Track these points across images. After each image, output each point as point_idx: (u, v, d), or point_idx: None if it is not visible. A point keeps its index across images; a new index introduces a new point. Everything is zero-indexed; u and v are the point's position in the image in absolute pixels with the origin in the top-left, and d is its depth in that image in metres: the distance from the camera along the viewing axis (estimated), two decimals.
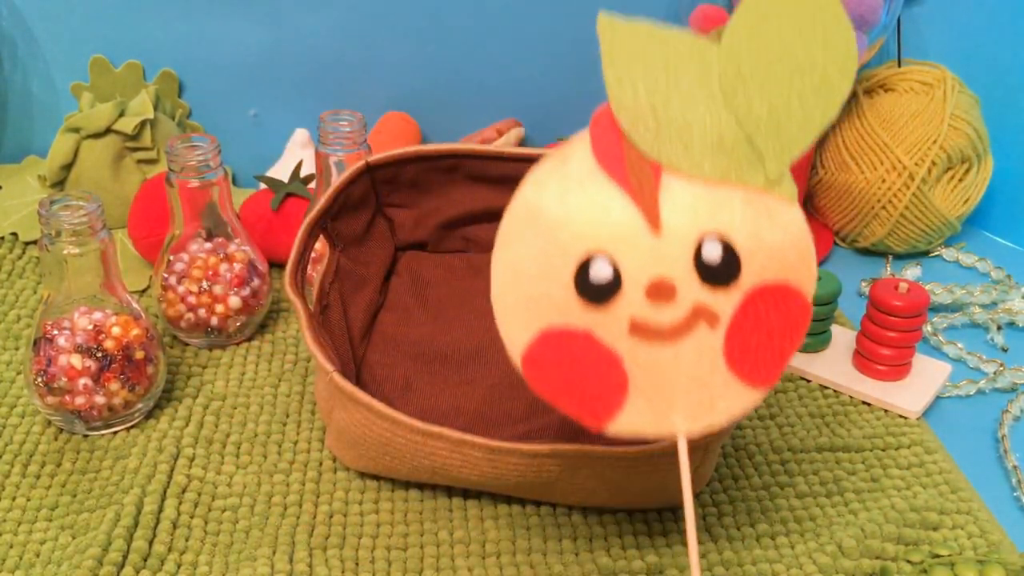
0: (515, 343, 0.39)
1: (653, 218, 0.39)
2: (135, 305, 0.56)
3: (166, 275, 0.62)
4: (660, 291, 0.39)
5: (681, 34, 0.40)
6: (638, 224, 0.39)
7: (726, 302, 0.39)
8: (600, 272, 0.39)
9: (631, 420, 0.39)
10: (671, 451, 0.46)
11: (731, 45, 0.40)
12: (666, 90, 0.40)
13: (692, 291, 0.39)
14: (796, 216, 0.40)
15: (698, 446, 0.46)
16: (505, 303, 0.39)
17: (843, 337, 0.65)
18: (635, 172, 0.39)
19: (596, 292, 0.39)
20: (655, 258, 0.39)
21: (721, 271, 0.39)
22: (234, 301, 0.62)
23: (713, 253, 0.39)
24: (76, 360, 0.53)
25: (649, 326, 0.39)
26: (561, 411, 0.39)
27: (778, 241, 0.40)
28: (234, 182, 0.84)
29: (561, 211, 0.39)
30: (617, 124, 0.40)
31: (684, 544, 0.49)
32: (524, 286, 0.39)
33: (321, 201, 0.55)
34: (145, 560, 0.47)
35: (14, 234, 0.75)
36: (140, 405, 0.56)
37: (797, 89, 0.40)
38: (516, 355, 0.39)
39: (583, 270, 0.39)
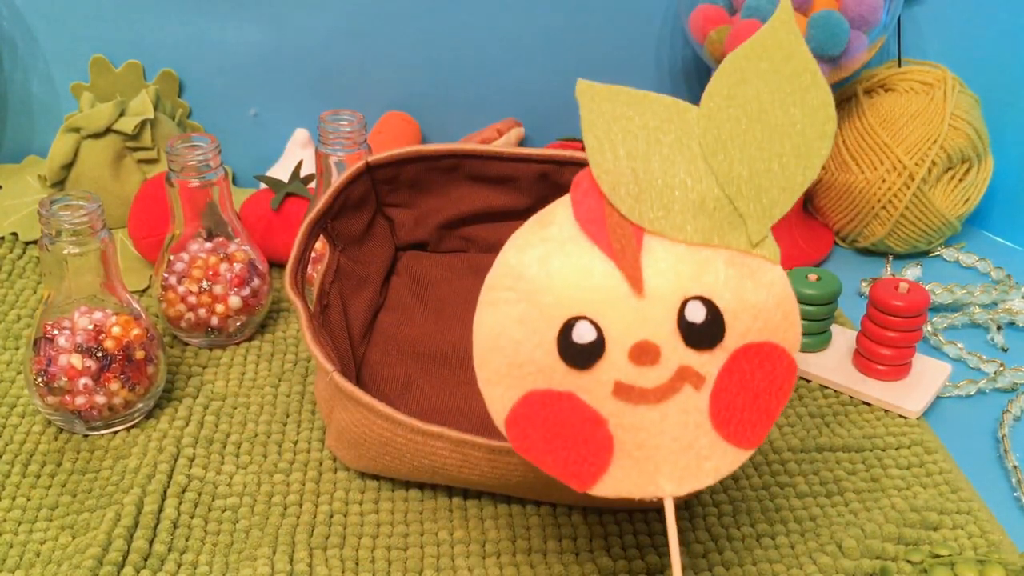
0: (498, 407, 0.39)
1: (636, 281, 0.39)
2: (135, 305, 0.56)
3: (166, 275, 0.62)
4: (644, 353, 0.39)
5: (660, 97, 0.41)
6: (621, 287, 0.39)
7: (711, 363, 0.39)
8: (583, 335, 0.39)
9: (617, 482, 0.39)
10: None
11: (710, 108, 0.40)
12: (646, 153, 0.40)
13: (677, 353, 0.39)
14: (779, 276, 0.40)
15: None
16: (488, 368, 0.39)
17: (843, 337, 0.65)
18: (617, 235, 0.40)
19: (580, 355, 0.39)
20: (638, 321, 0.39)
21: (705, 332, 0.39)
22: (234, 301, 0.62)
23: (697, 315, 0.39)
24: (76, 360, 0.53)
25: (634, 388, 0.39)
26: (546, 472, 0.39)
27: (762, 301, 0.40)
28: (234, 182, 0.84)
29: (543, 275, 0.39)
30: (598, 187, 0.40)
31: (684, 545, 0.49)
32: (507, 351, 0.39)
33: (321, 201, 0.55)
34: (145, 560, 0.47)
35: (14, 234, 0.75)
36: (140, 405, 0.56)
37: (777, 151, 0.40)
38: (499, 419, 0.39)
39: (566, 334, 0.39)
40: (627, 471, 0.39)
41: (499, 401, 0.39)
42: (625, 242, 0.40)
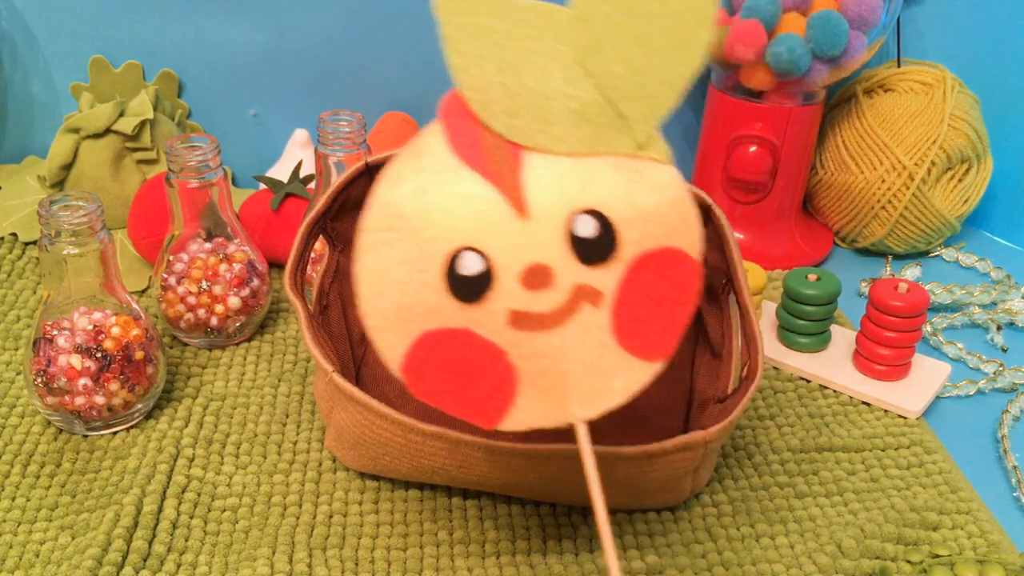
0: (392, 354, 0.37)
1: (518, 202, 0.37)
2: (135, 305, 0.56)
3: (166, 275, 0.62)
4: (536, 277, 0.37)
5: (527, 2, 0.38)
6: (503, 211, 0.37)
7: (608, 277, 0.37)
8: (469, 267, 0.37)
9: (524, 414, 0.37)
10: (671, 451, 0.46)
11: (581, 6, 0.38)
12: (517, 65, 0.38)
13: (570, 272, 0.37)
14: (671, 176, 0.38)
15: (697, 447, 0.46)
16: (375, 314, 0.37)
17: (843, 337, 0.65)
18: (494, 156, 0.37)
19: (468, 288, 0.37)
20: (526, 243, 0.37)
21: (597, 246, 0.37)
22: (234, 301, 0.62)
23: (586, 228, 0.37)
24: (76, 360, 0.53)
25: (529, 314, 0.37)
26: (451, 414, 0.37)
27: (655, 204, 0.37)
28: (234, 182, 0.84)
29: (421, 209, 0.37)
30: (468, 108, 0.38)
31: (684, 545, 0.49)
32: (393, 294, 0.37)
33: (320, 201, 0.55)
34: (145, 560, 0.47)
35: (14, 234, 0.75)
36: (140, 405, 0.56)
37: (656, 44, 0.37)
38: (395, 366, 0.37)
39: (452, 267, 0.37)
40: (534, 401, 0.37)
41: (392, 347, 0.37)
42: (503, 162, 0.37)
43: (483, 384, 0.37)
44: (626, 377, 0.37)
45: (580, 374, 0.37)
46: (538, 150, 0.38)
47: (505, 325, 0.37)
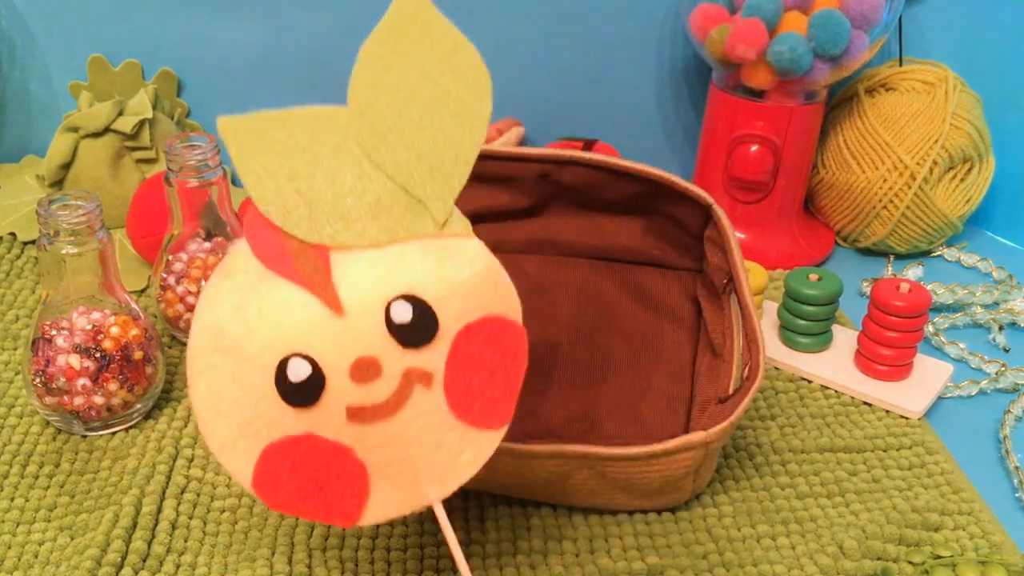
0: (241, 474, 0.38)
1: (333, 302, 0.38)
2: (134, 305, 0.56)
3: (165, 275, 0.62)
4: (364, 370, 0.38)
5: (305, 110, 0.40)
6: (321, 312, 0.38)
7: (435, 357, 0.39)
8: (298, 372, 0.38)
9: (381, 506, 0.38)
10: (671, 452, 0.46)
11: (358, 103, 0.39)
12: (308, 170, 0.39)
13: (396, 359, 0.38)
14: (477, 249, 0.39)
15: (698, 447, 0.46)
16: (217, 437, 0.38)
17: (844, 337, 0.65)
18: (303, 262, 0.39)
19: (302, 393, 0.38)
20: (348, 340, 0.38)
21: (417, 329, 0.38)
22: None
23: (403, 314, 0.38)
24: (75, 360, 0.53)
25: (365, 407, 0.38)
26: (310, 520, 0.38)
27: (466, 278, 0.39)
28: (233, 182, 0.84)
29: (242, 326, 0.38)
30: (269, 221, 0.39)
31: (684, 545, 0.49)
32: (231, 415, 0.38)
33: None
34: (144, 561, 0.47)
35: (12, 234, 0.75)
36: (139, 405, 0.56)
37: (438, 125, 0.39)
38: (247, 484, 0.38)
39: (282, 376, 0.38)
40: (388, 492, 0.38)
41: (239, 467, 0.38)
42: (312, 266, 0.39)
43: (335, 484, 0.38)
44: (472, 449, 0.39)
45: (426, 456, 0.39)
46: (343, 247, 0.39)
47: (345, 423, 0.38)
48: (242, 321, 0.38)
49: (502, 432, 0.39)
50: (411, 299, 0.38)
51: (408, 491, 0.39)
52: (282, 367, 0.38)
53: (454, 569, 0.47)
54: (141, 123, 0.74)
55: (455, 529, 0.50)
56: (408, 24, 0.40)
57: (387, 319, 0.38)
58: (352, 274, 0.39)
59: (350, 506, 0.38)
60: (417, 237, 0.39)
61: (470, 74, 0.39)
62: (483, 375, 0.39)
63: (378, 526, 0.50)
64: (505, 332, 0.39)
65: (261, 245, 0.39)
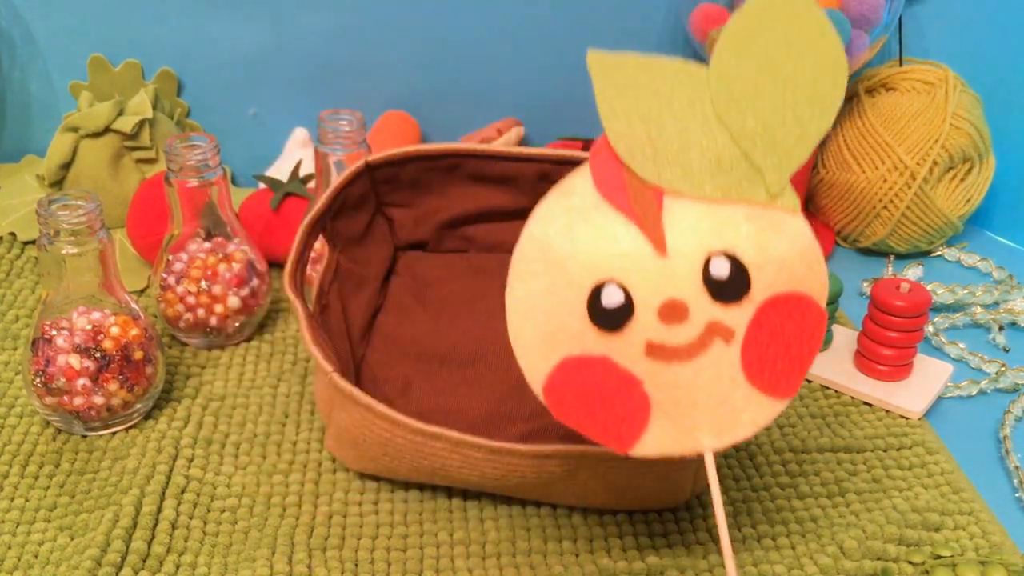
0: (536, 376, 0.40)
1: (659, 241, 0.40)
2: (134, 305, 0.56)
3: (165, 275, 0.62)
4: (672, 312, 0.40)
5: (669, 61, 0.41)
6: (645, 249, 0.40)
7: (739, 317, 0.40)
8: (612, 298, 0.40)
9: (656, 440, 0.40)
10: None
11: (720, 65, 0.41)
12: (660, 117, 0.41)
13: (704, 309, 0.40)
14: (801, 226, 0.41)
15: None
16: (523, 339, 0.40)
17: (844, 337, 0.65)
18: (637, 199, 0.40)
19: (609, 318, 0.40)
20: (664, 280, 0.40)
21: (731, 287, 0.40)
22: (233, 301, 0.62)
23: (721, 270, 0.40)
24: (75, 360, 0.53)
25: (665, 347, 0.40)
26: (587, 436, 0.39)
27: (785, 252, 0.40)
28: (233, 181, 0.84)
29: (569, 244, 0.40)
30: (615, 154, 0.40)
31: (685, 546, 0.49)
32: (539, 321, 0.40)
33: (320, 201, 0.55)
34: (144, 561, 0.47)
35: (12, 234, 0.75)
36: (139, 405, 0.56)
37: (790, 103, 0.40)
38: (538, 387, 0.40)
39: (595, 299, 0.40)
40: (665, 429, 0.40)
41: (535, 370, 0.40)
42: (646, 205, 0.40)
43: (619, 410, 0.40)
44: (754, 412, 0.40)
45: (710, 406, 0.40)
46: (678, 195, 0.40)
47: (642, 355, 0.40)
48: (570, 239, 0.40)
49: (784, 403, 0.40)
50: (731, 257, 0.40)
51: (684, 434, 0.40)
52: (597, 290, 0.40)
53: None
54: (141, 123, 0.74)
55: (454, 530, 0.50)
56: (782, 2, 0.41)
57: (704, 270, 0.40)
58: (681, 220, 0.40)
59: (628, 433, 0.40)
60: (748, 202, 0.40)
61: (830, 62, 0.40)
62: (780, 345, 0.40)
63: (377, 525, 0.50)
64: (808, 311, 0.40)
65: (602, 175, 0.40)
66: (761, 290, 0.40)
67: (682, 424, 0.40)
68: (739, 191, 0.40)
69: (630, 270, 0.40)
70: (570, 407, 0.40)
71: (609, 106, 0.41)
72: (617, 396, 0.40)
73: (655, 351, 0.40)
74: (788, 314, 0.40)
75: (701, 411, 0.40)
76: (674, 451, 0.40)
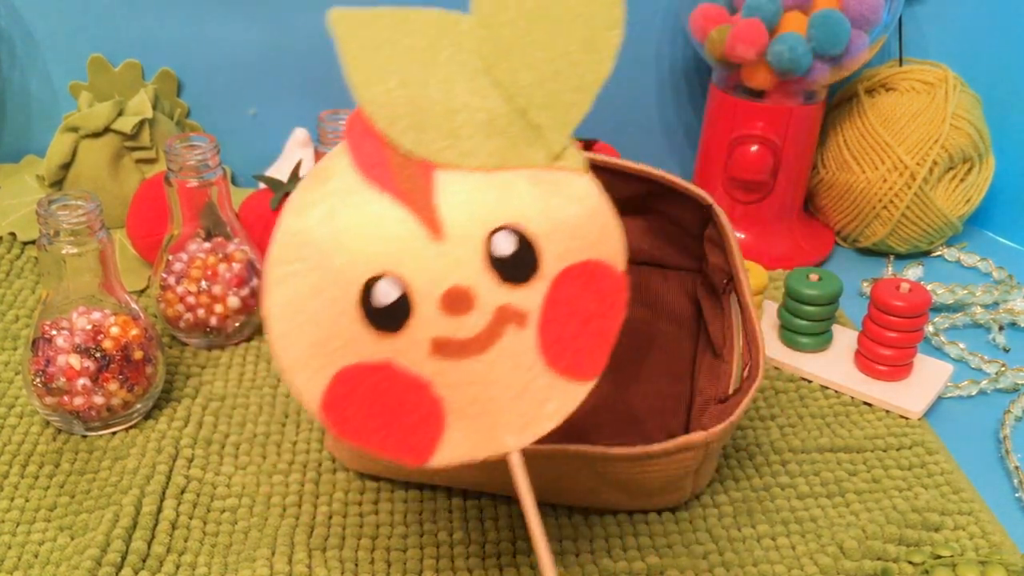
0: (309, 395, 0.35)
1: (432, 222, 0.36)
2: (134, 305, 0.56)
3: (165, 275, 0.62)
4: (456, 301, 0.36)
5: (425, 12, 0.36)
6: (417, 233, 0.35)
7: (531, 296, 0.36)
8: (385, 295, 0.35)
9: (455, 447, 0.36)
10: (671, 452, 0.46)
11: (483, 13, 0.36)
12: (421, 77, 0.36)
13: (492, 293, 0.36)
14: (588, 186, 0.37)
15: (698, 447, 0.46)
16: (289, 353, 0.35)
17: (844, 337, 0.65)
18: (404, 176, 0.36)
19: (386, 317, 0.35)
20: (444, 266, 0.36)
21: (518, 264, 0.36)
22: (233, 301, 0.62)
23: (505, 246, 0.36)
24: (75, 360, 0.53)
25: (452, 341, 0.36)
26: (377, 454, 0.36)
27: (574, 216, 0.36)
28: (233, 181, 0.84)
29: (330, 236, 0.35)
30: (373, 126, 0.36)
31: (685, 546, 0.49)
32: (306, 330, 0.35)
33: None
34: (144, 561, 0.47)
35: (12, 234, 0.75)
36: (139, 405, 0.56)
37: (563, 50, 0.36)
38: (313, 408, 0.35)
39: (367, 297, 0.35)
40: (464, 433, 0.36)
41: (307, 388, 0.35)
42: (414, 182, 0.36)
43: (409, 419, 0.36)
44: (558, 399, 0.36)
45: (509, 400, 0.36)
46: (449, 166, 0.36)
47: (427, 354, 0.36)
48: (332, 230, 0.35)
49: (590, 385, 0.36)
50: (514, 231, 0.36)
51: (485, 435, 0.36)
52: (368, 287, 0.35)
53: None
54: (141, 123, 0.74)
55: (454, 530, 0.50)
56: None
57: (487, 249, 0.36)
58: (455, 196, 0.36)
59: (422, 444, 0.36)
60: (528, 166, 0.36)
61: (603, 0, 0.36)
62: (579, 322, 0.36)
63: (377, 525, 0.50)
64: (605, 278, 0.36)
65: (361, 153, 0.36)
66: (552, 262, 0.36)
67: (482, 424, 0.36)
68: (517, 155, 0.36)
69: (403, 259, 0.35)
70: (353, 425, 0.35)
71: (359, 70, 0.36)
72: (405, 404, 0.35)
73: (442, 347, 0.35)
74: (584, 285, 0.36)
75: (501, 407, 0.36)
76: (476, 455, 0.36)
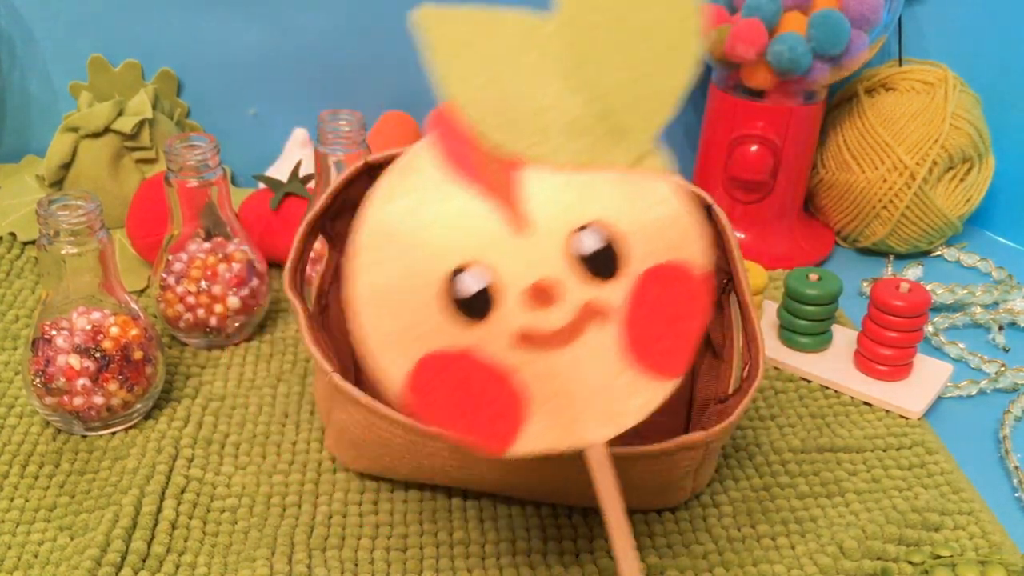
0: (391, 381, 0.36)
1: (517, 217, 0.36)
2: (134, 305, 0.56)
3: (165, 275, 0.62)
4: (541, 294, 0.36)
5: (510, 13, 0.37)
6: (502, 226, 0.36)
7: (615, 293, 0.37)
8: (470, 285, 0.36)
9: (536, 438, 0.36)
10: (671, 452, 0.46)
11: (567, 16, 0.37)
12: (507, 77, 0.37)
13: (576, 288, 0.36)
14: (671, 188, 0.37)
15: (698, 447, 0.46)
16: (374, 339, 0.36)
17: (844, 337, 0.65)
18: (488, 171, 0.36)
19: (471, 307, 0.36)
20: (528, 260, 0.36)
21: (603, 261, 0.36)
22: (233, 301, 0.62)
23: (590, 243, 0.36)
24: (74, 360, 0.53)
25: (537, 333, 0.36)
26: (459, 441, 0.36)
27: (656, 218, 0.37)
28: (233, 181, 0.84)
29: (416, 228, 0.36)
30: (461, 122, 0.36)
31: (685, 546, 0.49)
32: (391, 317, 0.36)
33: (320, 201, 0.55)
34: (144, 561, 0.47)
35: (12, 234, 0.75)
36: (139, 405, 0.56)
37: (646, 55, 0.37)
38: (395, 393, 0.36)
39: (452, 286, 0.36)
40: (547, 423, 0.36)
41: (391, 374, 0.36)
42: (499, 177, 0.36)
43: (491, 407, 0.36)
44: (641, 396, 0.37)
45: (592, 395, 0.37)
46: (535, 163, 0.37)
47: (511, 345, 0.36)
48: (416, 222, 0.36)
49: (672, 384, 0.37)
50: (599, 229, 0.36)
51: (566, 428, 0.36)
52: (453, 276, 0.36)
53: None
54: (141, 123, 0.74)
55: (454, 530, 0.50)
56: None
57: (571, 245, 0.36)
58: (540, 192, 0.36)
59: (504, 432, 0.36)
60: (612, 167, 0.37)
61: (680, 8, 0.37)
62: (662, 321, 0.37)
63: (377, 525, 0.50)
64: (688, 280, 0.37)
65: (446, 145, 0.37)
66: (636, 261, 0.37)
67: (564, 416, 0.36)
68: (602, 155, 0.37)
69: (489, 251, 0.36)
70: (437, 410, 0.36)
71: (450, 69, 0.36)
72: (488, 393, 0.36)
73: (526, 339, 0.36)
74: (667, 286, 0.37)
75: (583, 401, 0.36)
76: (557, 447, 0.36)
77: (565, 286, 0.36)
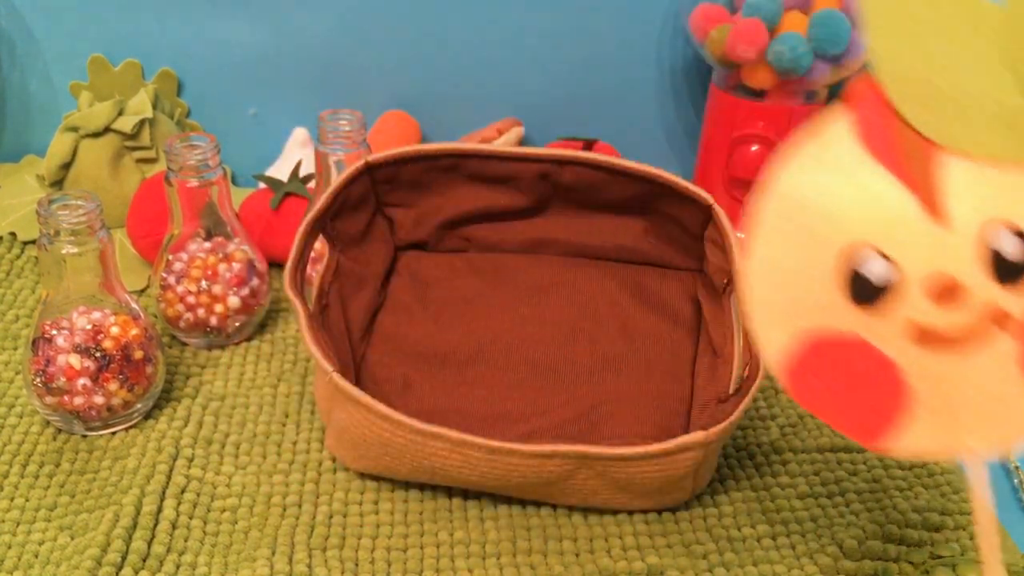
0: (773, 349, 0.35)
1: (934, 206, 0.35)
2: (134, 305, 0.56)
3: (165, 275, 0.62)
4: (945, 290, 0.34)
5: None
6: (916, 214, 0.34)
7: (1020, 302, 0.34)
8: (873, 268, 0.34)
9: (915, 439, 0.35)
10: (671, 452, 0.46)
11: (1017, 9, 0.35)
12: (943, 60, 0.35)
13: (983, 290, 0.34)
14: None
15: (698, 447, 0.46)
16: (762, 309, 0.35)
17: None
18: (908, 154, 0.35)
19: (868, 291, 0.35)
20: (938, 252, 0.34)
21: (1012, 266, 0.34)
22: (233, 301, 0.62)
23: (1010, 246, 0.34)
24: (75, 360, 0.53)
25: (933, 331, 0.35)
26: (831, 425, 0.36)
27: None
28: (233, 181, 0.84)
29: (825, 202, 0.35)
30: (885, 100, 0.35)
31: (685, 546, 0.49)
32: (783, 286, 0.35)
33: (320, 201, 0.55)
34: (144, 560, 0.47)
35: (12, 234, 0.75)
36: (139, 405, 0.56)
37: None
38: (775, 365, 0.35)
39: (852, 266, 0.35)
40: (928, 427, 0.34)
41: (774, 345, 0.35)
42: (919, 162, 0.35)
43: (870, 398, 0.35)
44: None
45: (979, 404, 0.35)
46: (956, 152, 0.35)
47: (902, 338, 0.35)
48: (827, 198, 0.35)
49: None
50: (1016, 231, 0.34)
51: (948, 435, 0.35)
52: (855, 257, 0.35)
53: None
54: (141, 123, 0.74)
55: (454, 530, 0.50)
56: None
57: (987, 245, 0.34)
58: (962, 184, 0.35)
59: (879, 427, 0.35)
60: None
61: None
62: None
63: (377, 525, 0.50)
64: None
65: (867, 123, 0.35)
66: None
67: (945, 422, 0.34)
68: None
69: (897, 237, 0.34)
70: (813, 390, 0.35)
71: (883, 43, 0.35)
72: (869, 382, 0.34)
73: (920, 335, 0.35)
74: None
75: (969, 409, 0.34)
76: (936, 452, 0.35)
77: (973, 286, 0.35)
